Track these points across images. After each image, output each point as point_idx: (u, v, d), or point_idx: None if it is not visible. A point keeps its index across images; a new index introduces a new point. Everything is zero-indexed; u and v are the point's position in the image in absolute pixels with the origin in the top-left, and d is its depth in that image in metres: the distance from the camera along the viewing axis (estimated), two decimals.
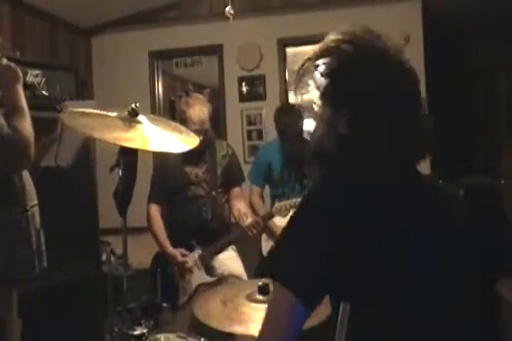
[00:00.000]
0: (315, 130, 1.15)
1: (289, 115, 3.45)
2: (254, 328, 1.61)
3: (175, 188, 2.96)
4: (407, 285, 1.02)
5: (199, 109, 2.86)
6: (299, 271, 1.01)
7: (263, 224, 2.96)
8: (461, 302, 1.08)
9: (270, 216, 3.05)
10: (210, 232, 2.95)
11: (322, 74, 1.11)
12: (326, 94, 1.10)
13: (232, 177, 3.06)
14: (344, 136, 1.06)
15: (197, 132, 2.81)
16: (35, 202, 2.01)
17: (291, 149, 3.42)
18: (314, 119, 1.16)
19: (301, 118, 3.39)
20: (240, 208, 3.00)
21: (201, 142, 2.88)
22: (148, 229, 3.01)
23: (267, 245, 3.44)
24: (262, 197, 3.57)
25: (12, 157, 1.73)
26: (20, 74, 1.84)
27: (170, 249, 2.90)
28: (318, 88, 1.12)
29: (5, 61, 1.82)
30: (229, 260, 2.98)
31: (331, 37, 1.16)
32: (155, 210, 3.00)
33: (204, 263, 2.90)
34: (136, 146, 1.76)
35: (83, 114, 1.89)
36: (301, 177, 3.43)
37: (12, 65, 1.82)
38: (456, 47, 5.03)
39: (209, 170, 2.99)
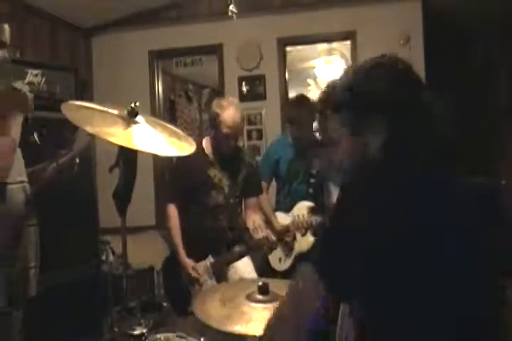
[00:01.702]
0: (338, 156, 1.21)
1: (302, 105, 3.41)
2: (255, 328, 1.62)
3: (196, 190, 2.88)
4: (415, 285, 1.03)
5: (234, 113, 2.77)
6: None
7: (277, 239, 2.86)
8: (462, 302, 1.08)
9: (285, 231, 3.03)
10: (224, 241, 2.91)
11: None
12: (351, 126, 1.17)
13: (250, 188, 3.00)
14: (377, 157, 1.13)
15: (228, 136, 2.76)
16: (33, 222, 1.99)
17: (299, 137, 3.39)
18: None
19: (313, 110, 3.28)
20: (255, 220, 2.94)
21: (230, 147, 2.84)
22: (167, 228, 2.96)
23: None
24: (267, 193, 3.53)
25: None
26: (31, 106, 1.86)
27: (183, 256, 2.83)
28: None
29: (19, 85, 1.84)
30: (243, 267, 2.92)
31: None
32: (174, 211, 2.91)
33: (216, 271, 2.82)
34: (126, 145, 1.74)
35: (83, 107, 1.89)
36: (307, 176, 3.42)
37: (24, 92, 1.84)
38: (456, 47, 5.02)
39: (232, 176, 2.92)
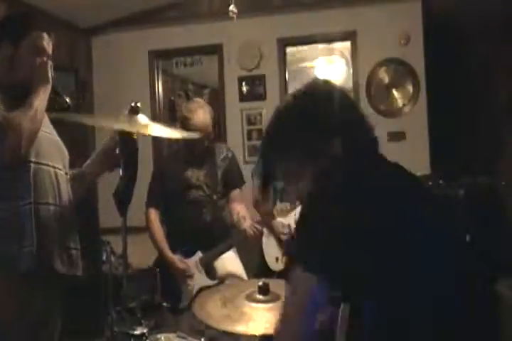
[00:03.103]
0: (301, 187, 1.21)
1: None
2: (255, 328, 1.62)
3: (175, 192, 2.94)
4: (410, 285, 1.03)
5: (202, 115, 2.84)
6: None
7: (262, 226, 2.94)
8: (461, 302, 1.08)
9: (271, 217, 3.05)
10: (210, 235, 2.94)
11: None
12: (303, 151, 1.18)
13: (231, 180, 3.04)
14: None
15: (201, 137, 2.76)
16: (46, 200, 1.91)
17: None
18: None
19: None
20: (239, 211, 2.98)
21: (202, 145, 2.88)
22: (148, 233, 2.99)
23: (267, 241, 3.42)
24: None
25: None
26: (50, 76, 1.84)
27: (169, 254, 2.89)
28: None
29: (44, 58, 1.83)
30: (228, 260, 2.98)
31: None
32: (154, 215, 2.97)
33: (204, 266, 2.88)
34: (136, 130, 1.78)
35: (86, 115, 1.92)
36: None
37: (45, 62, 1.84)
38: (456, 47, 5.02)
39: (209, 174, 2.97)
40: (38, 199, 1.81)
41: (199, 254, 2.90)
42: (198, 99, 3.09)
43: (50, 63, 1.86)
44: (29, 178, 1.79)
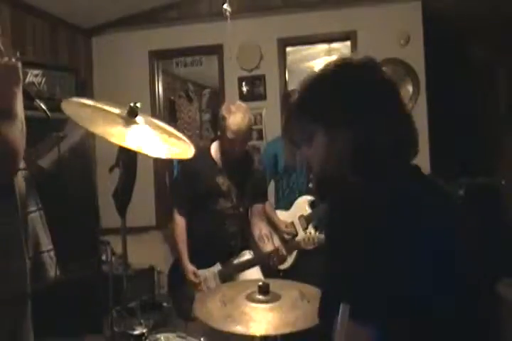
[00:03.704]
0: (313, 159, 1.18)
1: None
2: (255, 328, 1.62)
3: (204, 197, 2.83)
4: (413, 286, 1.03)
5: (240, 118, 2.69)
6: None
7: (286, 253, 2.86)
8: (461, 302, 1.08)
9: (294, 246, 3.01)
10: (232, 248, 2.89)
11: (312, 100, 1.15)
12: (320, 119, 1.14)
13: (257, 195, 2.96)
14: (350, 156, 1.10)
15: (233, 141, 2.71)
16: (33, 208, 1.92)
17: None
18: (307, 151, 1.19)
19: None
20: (261, 228, 2.93)
21: (236, 153, 2.77)
22: (172, 236, 2.92)
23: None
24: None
25: None
26: (20, 76, 1.64)
27: (186, 262, 2.81)
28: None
29: (5, 59, 1.61)
30: (250, 274, 2.86)
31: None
32: (181, 218, 2.86)
33: (223, 279, 2.81)
34: (121, 143, 1.70)
35: (84, 105, 1.87)
36: (305, 168, 3.39)
37: (13, 63, 1.62)
38: (456, 47, 5.03)
39: (240, 185, 2.86)
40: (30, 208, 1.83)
41: (218, 266, 2.83)
42: (241, 103, 2.90)
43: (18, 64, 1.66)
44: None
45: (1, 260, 1.69)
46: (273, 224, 3.26)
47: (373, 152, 1.11)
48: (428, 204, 1.11)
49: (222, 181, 2.83)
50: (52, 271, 1.99)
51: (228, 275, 2.82)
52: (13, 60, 1.61)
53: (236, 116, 2.69)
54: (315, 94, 1.17)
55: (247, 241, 2.99)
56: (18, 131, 1.58)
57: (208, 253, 2.84)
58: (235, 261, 2.88)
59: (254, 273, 2.87)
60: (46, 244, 1.99)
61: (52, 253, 2.01)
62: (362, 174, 1.13)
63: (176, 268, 2.91)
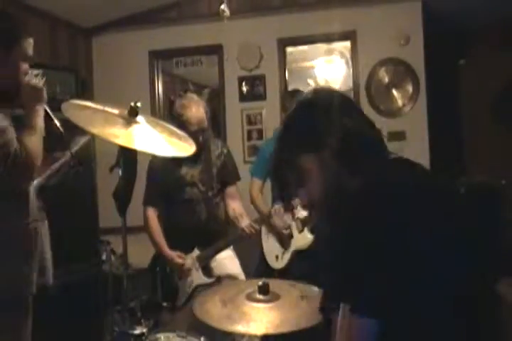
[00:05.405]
0: (313, 189, 1.22)
1: (298, 95, 3.37)
2: (255, 327, 1.62)
3: (171, 190, 2.93)
4: (414, 285, 1.03)
5: (196, 110, 2.82)
6: None
7: (260, 226, 2.93)
8: (461, 302, 1.08)
9: (268, 218, 3.03)
10: (207, 233, 2.92)
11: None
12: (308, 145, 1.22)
13: (227, 177, 3.02)
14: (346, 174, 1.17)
15: (196, 133, 2.76)
16: (37, 217, 1.97)
17: None
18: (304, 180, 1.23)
19: None
20: (235, 208, 2.97)
21: (197, 141, 2.87)
22: (146, 231, 2.98)
23: (267, 239, 3.41)
24: (262, 190, 3.49)
25: (17, 172, 1.75)
26: (45, 96, 1.89)
27: (167, 250, 2.88)
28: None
29: (35, 81, 1.88)
30: (226, 259, 2.96)
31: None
32: (152, 213, 2.96)
33: (202, 264, 2.87)
34: (127, 145, 1.75)
35: (84, 107, 1.89)
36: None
37: (40, 86, 1.89)
38: (456, 47, 5.03)
39: (204, 171, 2.95)
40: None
41: (196, 251, 2.89)
42: (191, 95, 3.02)
43: (43, 81, 1.91)
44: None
45: (16, 260, 1.75)
46: (267, 222, 3.26)
47: (359, 151, 1.18)
48: (426, 201, 1.12)
49: (185, 171, 2.92)
50: (51, 274, 2.03)
51: (206, 258, 2.88)
52: (42, 83, 1.90)
53: (192, 109, 2.81)
54: (296, 123, 1.27)
55: (223, 225, 3.03)
56: (37, 143, 1.80)
57: (184, 242, 2.89)
58: (212, 246, 2.92)
59: (235, 268, 2.95)
60: (48, 249, 2.03)
61: (51, 261, 2.05)
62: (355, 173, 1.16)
63: (156, 263, 2.95)
